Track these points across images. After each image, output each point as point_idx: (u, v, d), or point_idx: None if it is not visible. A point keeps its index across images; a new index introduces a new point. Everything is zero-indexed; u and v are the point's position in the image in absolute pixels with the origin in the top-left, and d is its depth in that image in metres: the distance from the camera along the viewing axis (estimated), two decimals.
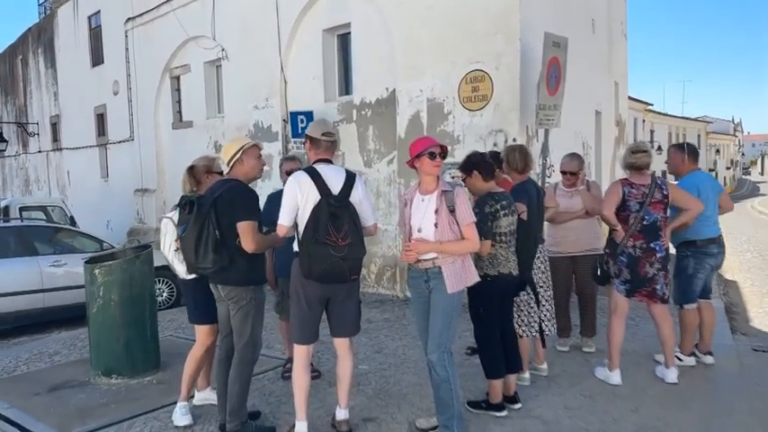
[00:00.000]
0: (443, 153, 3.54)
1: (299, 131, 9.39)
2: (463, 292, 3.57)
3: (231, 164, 3.74)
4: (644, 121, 37.16)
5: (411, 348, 5.54)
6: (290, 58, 10.20)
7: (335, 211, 3.30)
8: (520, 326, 4.27)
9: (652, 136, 40.20)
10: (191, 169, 4.25)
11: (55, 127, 19.65)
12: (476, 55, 7.29)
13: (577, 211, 5.05)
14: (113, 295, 4.99)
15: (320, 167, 3.45)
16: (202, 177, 4.20)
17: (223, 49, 11.58)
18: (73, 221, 13.21)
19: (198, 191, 4.15)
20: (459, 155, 7.25)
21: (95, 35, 16.46)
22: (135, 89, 14.62)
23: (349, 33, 9.34)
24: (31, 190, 21.97)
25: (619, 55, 13.01)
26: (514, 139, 7.00)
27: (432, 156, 3.47)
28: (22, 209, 12.91)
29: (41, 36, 19.92)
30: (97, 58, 16.42)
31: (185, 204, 3.63)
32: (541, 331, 4.39)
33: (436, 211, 3.47)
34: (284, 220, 3.43)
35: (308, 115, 9.28)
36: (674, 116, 45.14)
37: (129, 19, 14.32)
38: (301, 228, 3.37)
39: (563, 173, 5.20)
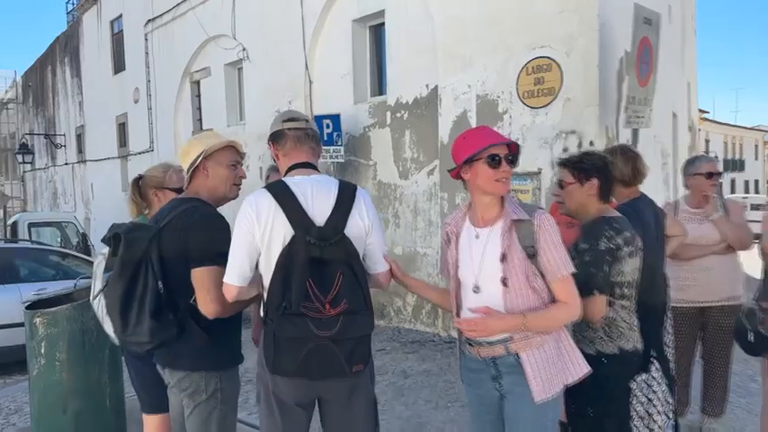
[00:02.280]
0: (513, 155, 2.09)
1: (325, 137, 8.06)
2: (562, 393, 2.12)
3: (190, 174, 2.40)
4: (699, 129, 35.02)
5: (463, 425, 4.07)
6: (316, 54, 8.91)
7: (320, 256, 1.92)
8: (636, 426, 2.77)
9: (707, 146, 37.81)
10: (136, 183, 2.96)
11: (80, 138, 18.91)
12: (540, 39, 5.83)
13: (713, 244, 3.51)
14: (59, 353, 3.68)
15: (294, 181, 2.07)
16: (151, 194, 2.91)
17: (244, 49, 10.40)
18: (84, 239, 12.18)
19: (149, 214, 2.85)
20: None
21: (117, 40, 15.61)
22: (155, 96, 13.65)
23: (383, 24, 8.00)
24: (59, 203, 21.29)
25: (690, 53, 11.38)
26: (591, 143, 5.50)
27: (493, 161, 2.04)
28: (31, 225, 11.93)
29: (68, 44, 19.28)
30: (119, 65, 15.58)
31: (109, 239, 2.30)
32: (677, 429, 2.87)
33: (504, 258, 2.04)
34: (232, 275, 2.04)
35: (335, 119, 7.96)
36: (731, 125, 42.59)
37: (148, 21, 13.36)
38: (266, 282, 1.99)
39: (709, 174, 3.61)
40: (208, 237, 2.21)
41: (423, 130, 7.32)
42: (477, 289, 2.11)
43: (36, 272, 7.41)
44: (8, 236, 11.87)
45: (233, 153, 2.45)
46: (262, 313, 2.07)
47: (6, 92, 26.08)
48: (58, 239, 12.92)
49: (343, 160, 8.05)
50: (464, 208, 2.25)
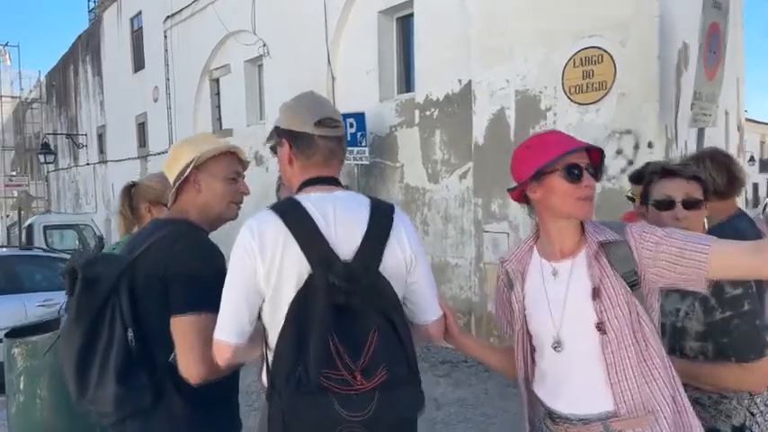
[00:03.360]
0: (596, 166, 1.53)
1: (348, 138, 7.52)
2: None
3: (177, 187, 1.85)
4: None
5: None
6: (339, 49, 8.38)
7: (348, 303, 1.37)
8: None
9: (743, 145, 36.48)
10: (128, 192, 2.47)
11: (101, 138, 18.69)
12: (589, 27, 5.20)
13: None
14: (40, 389, 3.18)
15: (311, 199, 1.51)
16: (143, 209, 2.41)
17: (264, 45, 9.93)
18: (101, 242, 11.81)
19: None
20: None
21: (137, 38, 15.32)
22: (174, 95, 13.29)
23: (411, 15, 7.42)
24: (81, 204, 21.15)
25: (737, 46, 10.59)
26: (650, 144, 4.86)
27: (572, 174, 1.49)
28: (46, 228, 11.61)
29: (89, 43, 19.08)
30: (139, 63, 15.28)
31: (65, 274, 1.77)
32: None
33: (596, 294, 1.48)
34: (225, 330, 1.48)
35: (359, 118, 7.40)
36: None
37: (167, 17, 12.98)
38: (272, 341, 1.44)
39: None
40: (194, 273, 1.65)
41: (454, 129, 6.73)
42: (558, 345, 1.54)
43: (43, 281, 7.01)
44: (23, 239, 11.58)
45: (232, 162, 1.89)
46: (264, 381, 1.52)
47: (30, 92, 26.10)
48: (77, 242, 12.62)
49: (367, 162, 7.50)
50: (529, 239, 1.69)
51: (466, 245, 6.63)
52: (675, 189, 1.82)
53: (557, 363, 1.55)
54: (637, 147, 4.92)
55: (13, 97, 27.85)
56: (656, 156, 4.76)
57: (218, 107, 12.09)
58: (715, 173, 2.45)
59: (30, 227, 11.49)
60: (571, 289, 1.53)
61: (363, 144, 7.39)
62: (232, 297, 1.47)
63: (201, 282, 1.64)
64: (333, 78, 8.45)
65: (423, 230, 7.15)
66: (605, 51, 5.07)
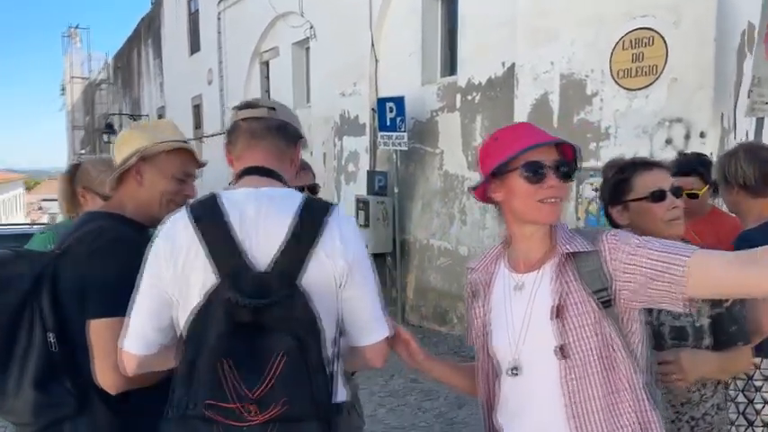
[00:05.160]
0: (567, 163, 1.33)
1: (388, 123, 7.33)
2: None
3: (119, 175, 1.71)
4: None
5: None
6: (383, 31, 8.17)
7: (254, 321, 1.20)
8: None
9: None
10: (71, 174, 2.30)
11: (161, 119, 19.19)
12: (640, 6, 4.79)
13: None
14: None
15: (232, 197, 1.34)
16: (78, 193, 2.25)
17: (311, 27, 9.81)
18: None
19: (75, 219, 2.20)
20: (606, 155, 4.83)
21: (194, 21, 15.56)
22: (226, 77, 13.45)
23: None
24: None
25: None
26: (702, 134, 4.45)
27: (534, 173, 1.29)
28: None
29: (151, 26, 19.58)
30: (195, 46, 15.53)
31: None
32: None
33: (557, 313, 1.29)
34: (129, 339, 1.35)
35: (399, 102, 7.18)
36: None
37: (220, 0, 13.09)
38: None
39: None
40: (112, 275, 1.51)
41: (496, 114, 6.43)
42: (515, 369, 1.34)
43: None
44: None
45: (186, 161, 1.75)
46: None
47: (99, 73, 27.11)
48: None
49: (406, 148, 7.29)
50: (498, 246, 1.49)
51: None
52: (662, 180, 1.71)
53: (516, 389, 1.37)
54: (688, 136, 4.52)
55: (83, 78, 29.01)
56: (709, 146, 4.36)
57: (268, 91, 12.11)
58: (745, 165, 2.22)
59: None
60: (534, 306, 1.34)
61: (403, 129, 7.18)
62: (138, 306, 1.34)
63: (120, 284, 1.46)
64: (376, 61, 8.26)
65: (460, 220, 6.92)
66: (657, 33, 4.66)
